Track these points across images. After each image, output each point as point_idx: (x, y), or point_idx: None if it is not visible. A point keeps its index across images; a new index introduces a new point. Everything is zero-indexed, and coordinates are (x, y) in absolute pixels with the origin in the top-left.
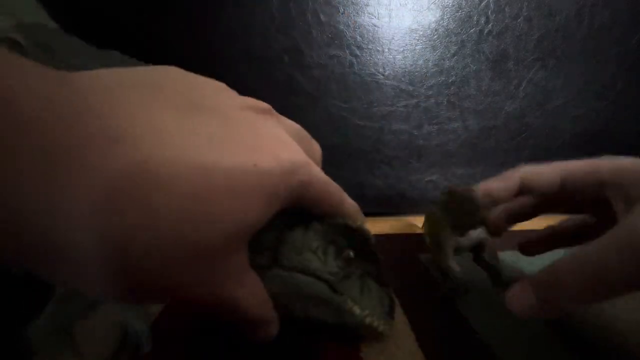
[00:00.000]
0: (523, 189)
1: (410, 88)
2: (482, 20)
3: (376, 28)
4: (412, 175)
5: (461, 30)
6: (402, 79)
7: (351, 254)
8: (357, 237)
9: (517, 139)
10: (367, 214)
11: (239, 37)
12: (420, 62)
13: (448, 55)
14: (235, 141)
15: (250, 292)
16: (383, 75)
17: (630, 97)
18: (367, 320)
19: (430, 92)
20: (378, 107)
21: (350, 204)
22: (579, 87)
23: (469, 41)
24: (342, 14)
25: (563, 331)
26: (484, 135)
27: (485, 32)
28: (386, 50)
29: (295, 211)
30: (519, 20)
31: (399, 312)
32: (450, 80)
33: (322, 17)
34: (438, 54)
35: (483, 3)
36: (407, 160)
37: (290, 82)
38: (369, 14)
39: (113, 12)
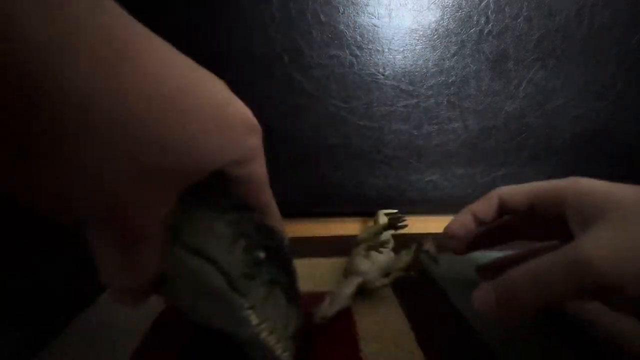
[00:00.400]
0: (501, 209)
1: (410, 88)
2: (482, 20)
3: (376, 28)
4: (412, 175)
5: (461, 30)
6: (402, 79)
7: (261, 254)
8: (273, 240)
9: (517, 139)
10: (367, 214)
11: (239, 37)
12: (420, 62)
13: (448, 55)
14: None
15: (154, 249)
16: (383, 75)
17: (630, 97)
18: (263, 335)
19: (430, 92)
20: (378, 107)
21: (276, 210)
22: (579, 87)
23: (469, 41)
24: (342, 14)
25: (563, 331)
26: (484, 135)
27: (485, 32)
28: (386, 50)
29: (206, 195)
30: (519, 20)
31: (399, 312)
32: (450, 80)
33: (322, 17)
34: (438, 54)
35: (483, 3)
36: (407, 160)
37: (290, 82)
38: (369, 14)
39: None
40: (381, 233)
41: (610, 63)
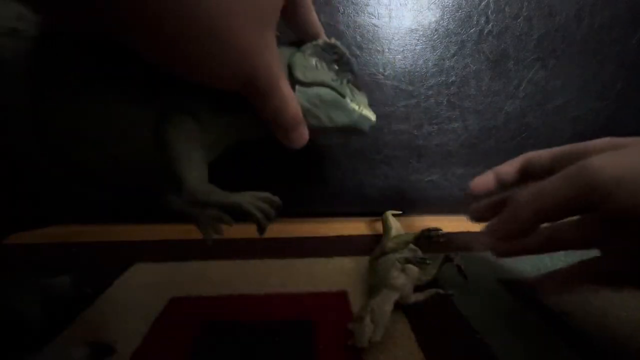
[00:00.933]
0: (526, 170)
1: (410, 88)
2: (482, 20)
3: (376, 28)
4: (412, 175)
5: (461, 30)
6: (402, 79)
7: (336, 66)
8: (336, 52)
9: (517, 139)
10: (367, 214)
11: None
12: (420, 62)
13: (448, 55)
14: None
15: (289, 92)
16: (383, 75)
17: (630, 97)
18: (363, 111)
19: (430, 92)
20: (378, 107)
21: (317, 24)
22: (579, 87)
23: (469, 41)
24: (342, 14)
25: (563, 331)
26: (484, 135)
27: (485, 32)
28: (386, 50)
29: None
30: (519, 20)
31: (399, 312)
32: (450, 80)
33: (322, 17)
34: (438, 54)
35: (483, 3)
36: (407, 160)
37: None
38: (369, 14)
39: None
40: (410, 243)
41: (610, 63)
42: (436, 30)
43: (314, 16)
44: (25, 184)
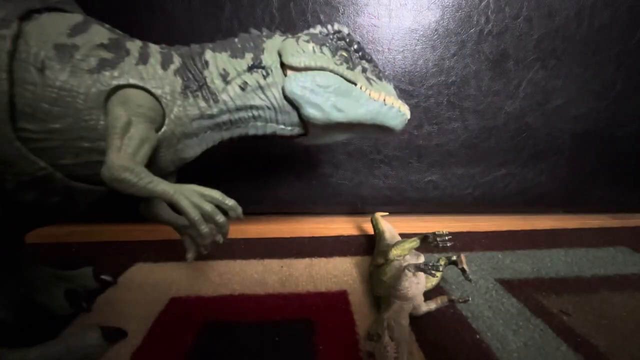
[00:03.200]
0: None
1: (410, 88)
2: (482, 20)
3: (376, 28)
4: (412, 175)
5: (461, 30)
6: (402, 79)
7: (344, 53)
8: (342, 38)
9: (517, 139)
10: (367, 214)
11: None
12: (420, 62)
13: (448, 55)
14: None
15: None
16: None
17: (630, 97)
18: (388, 101)
19: (430, 92)
20: None
21: None
22: (579, 87)
23: (469, 41)
24: (342, 14)
25: (563, 331)
26: (484, 135)
27: (485, 32)
28: (386, 50)
29: None
30: (519, 20)
31: None
32: (450, 80)
33: (322, 17)
34: (438, 54)
35: (483, 3)
36: (407, 160)
37: None
38: (369, 14)
39: (113, 11)
40: (414, 249)
41: (610, 63)
42: (436, 30)
43: None
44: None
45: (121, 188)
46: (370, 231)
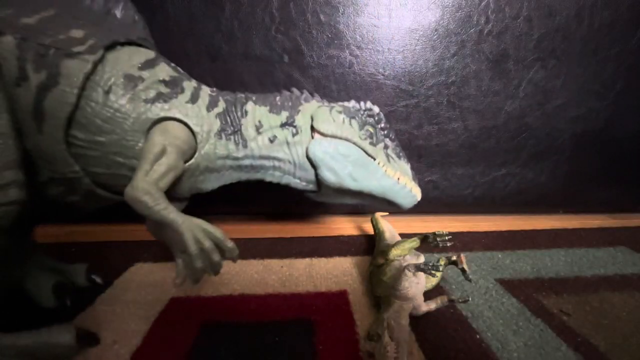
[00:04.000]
0: None
1: (410, 88)
2: (482, 20)
3: (376, 28)
4: None
5: (461, 30)
6: (402, 79)
7: (370, 128)
8: (370, 116)
9: (517, 139)
10: (367, 214)
11: (239, 37)
12: (420, 62)
13: (448, 55)
14: None
15: None
16: (383, 75)
17: (630, 97)
18: (401, 180)
19: (430, 92)
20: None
21: None
22: (579, 87)
23: (469, 41)
24: (342, 14)
25: (563, 331)
26: (484, 135)
27: (485, 32)
28: (386, 50)
29: None
30: (519, 20)
31: None
32: (450, 80)
33: (322, 17)
34: (438, 54)
35: (483, 3)
36: (407, 160)
37: (290, 82)
38: (369, 14)
39: None
40: (414, 249)
41: (610, 63)
42: (436, 30)
43: None
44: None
45: (138, 208)
46: (370, 231)
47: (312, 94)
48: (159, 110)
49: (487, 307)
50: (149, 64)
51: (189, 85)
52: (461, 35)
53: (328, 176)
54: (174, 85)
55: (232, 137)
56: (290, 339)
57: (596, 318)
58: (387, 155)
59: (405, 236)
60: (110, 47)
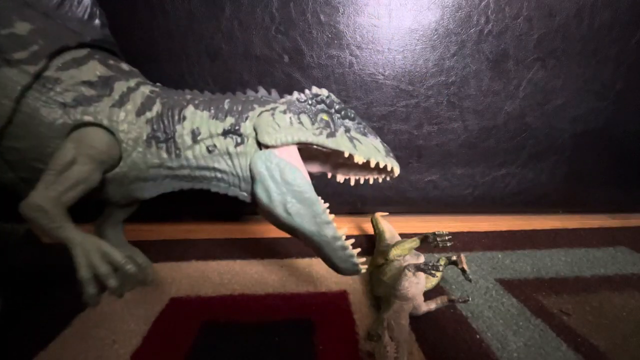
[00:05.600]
0: None
1: (410, 88)
2: (482, 20)
3: (376, 28)
4: (412, 175)
5: (461, 30)
6: (402, 79)
7: (324, 116)
8: (321, 101)
9: (517, 139)
10: (367, 213)
11: (239, 37)
12: (420, 62)
13: (448, 55)
14: None
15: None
16: (383, 75)
17: (630, 97)
18: (372, 163)
19: (430, 92)
20: (378, 107)
21: None
22: (579, 87)
23: (469, 41)
24: (342, 14)
25: (563, 331)
26: (484, 135)
27: (485, 32)
28: (386, 50)
29: None
30: (519, 20)
31: None
32: (450, 80)
33: (322, 17)
34: (438, 54)
35: (483, 3)
36: (407, 160)
37: (290, 82)
38: (369, 14)
39: (114, 11)
40: (414, 249)
41: (610, 63)
42: (436, 30)
43: None
44: None
45: (32, 224)
46: (370, 231)
47: (270, 92)
48: (78, 114)
49: (487, 307)
50: (71, 64)
51: (122, 86)
52: (461, 35)
53: (259, 194)
54: (100, 87)
55: (163, 144)
56: (290, 339)
57: (596, 318)
58: (352, 139)
59: (405, 236)
60: (57, 53)
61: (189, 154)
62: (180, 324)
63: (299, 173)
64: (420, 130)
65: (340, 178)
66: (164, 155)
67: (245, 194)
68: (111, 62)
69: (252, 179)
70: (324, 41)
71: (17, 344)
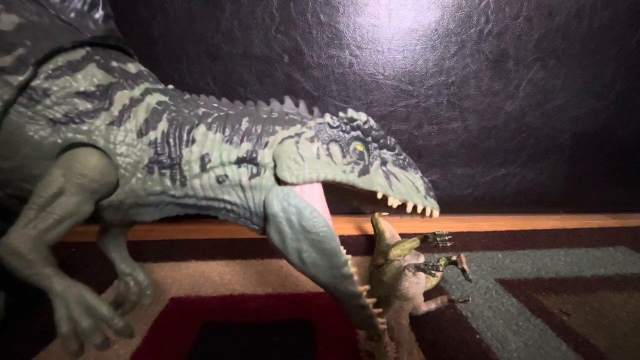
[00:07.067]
0: None
1: (410, 88)
2: (482, 20)
3: (376, 28)
4: None
5: (461, 30)
6: (402, 79)
7: (358, 146)
8: (357, 127)
9: (517, 139)
10: (366, 214)
11: (239, 37)
12: (420, 62)
13: (448, 55)
14: None
15: None
16: (383, 75)
17: (630, 97)
18: (409, 207)
19: (430, 92)
20: (378, 107)
21: None
22: (579, 87)
23: (469, 41)
24: (342, 14)
25: (563, 331)
26: (484, 135)
27: (485, 32)
28: (386, 50)
29: None
30: (519, 20)
31: None
32: (450, 80)
33: (322, 17)
34: (438, 54)
35: (483, 3)
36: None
37: (290, 82)
38: (369, 14)
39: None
40: (414, 249)
41: (610, 63)
42: (436, 30)
43: None
44: None
45: (7, 268)
46: (370, 231)
47: (297, 105)
48: (70, 133)
49: (487, 307)
50: (64, 70)
51: (123, 97)
52: (461, 35)
53: (273, 237)
54: (98, 99)
55: (167, 171)
56: (290, 339)
57: (596, 318)
58: (388, 175)
59: (405, 236)
60: (49, 56)
61: (196, 183)
62: (181, 324)
63: (321, 219)
64: (420, 130)
65: (366, 209)
66: (168, 182)
67: (257, 227)
68: (114, 63)
69: (266, 218)
70: (324, 41)
71: (17, 344)
